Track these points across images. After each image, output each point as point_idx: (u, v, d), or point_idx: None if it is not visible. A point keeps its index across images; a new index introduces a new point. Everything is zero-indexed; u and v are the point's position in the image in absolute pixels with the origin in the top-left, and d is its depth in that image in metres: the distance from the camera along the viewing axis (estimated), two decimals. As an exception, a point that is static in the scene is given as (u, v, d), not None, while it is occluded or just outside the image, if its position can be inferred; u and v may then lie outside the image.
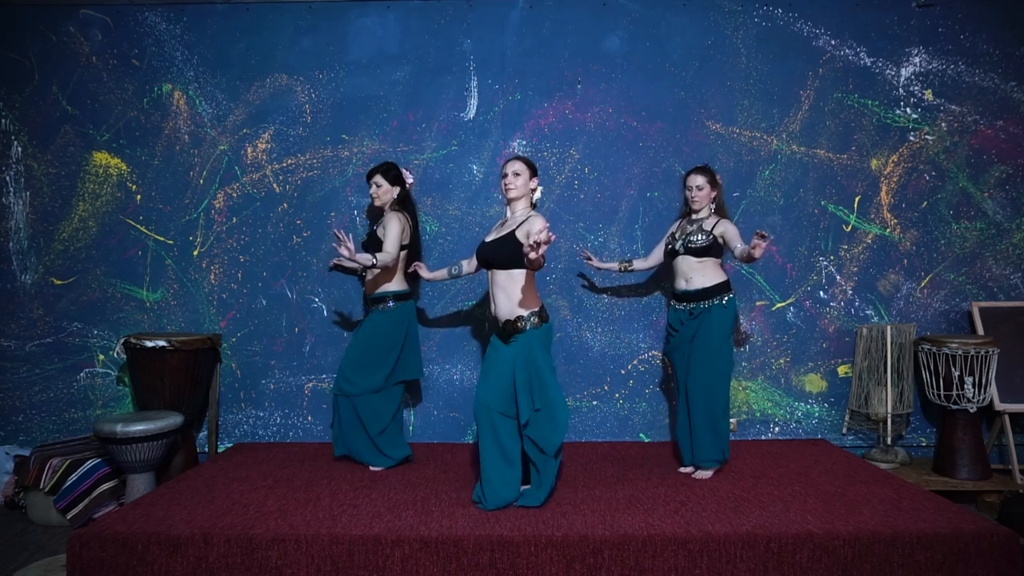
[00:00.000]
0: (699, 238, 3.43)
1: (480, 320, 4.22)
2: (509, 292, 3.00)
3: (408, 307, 3.68)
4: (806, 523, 2.73)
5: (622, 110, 4.22)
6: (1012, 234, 4.25)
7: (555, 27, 4.22)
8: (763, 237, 3.03)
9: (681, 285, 3.52)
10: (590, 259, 3.93)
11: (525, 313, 2.99)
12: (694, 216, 3.57)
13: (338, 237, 3.18)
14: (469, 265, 3.45)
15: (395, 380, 3.67)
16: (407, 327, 3.66)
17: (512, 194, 3.09)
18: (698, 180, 3.52)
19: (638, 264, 3.84)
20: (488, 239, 3.14)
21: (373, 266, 3.41)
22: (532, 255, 2.75)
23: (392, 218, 3.58)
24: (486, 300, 4.19)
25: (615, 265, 3.89)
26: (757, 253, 3.09)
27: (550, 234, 2.71)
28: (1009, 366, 3.97)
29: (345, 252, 3.18)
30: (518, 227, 3.00)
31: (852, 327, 4.24)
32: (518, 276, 3.00)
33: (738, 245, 3.33)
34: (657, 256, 3.76)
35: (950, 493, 3.71)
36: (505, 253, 2.98)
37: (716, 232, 3.43)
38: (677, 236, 3.56)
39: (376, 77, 4.22)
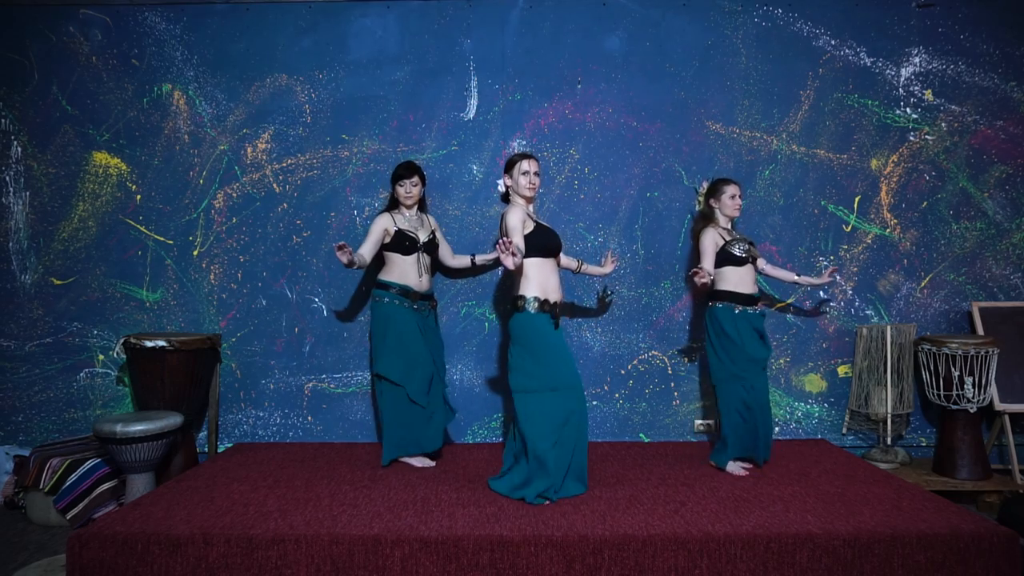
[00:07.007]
0: (753, 247, 3.62)
1: (480, 320, 4.22)
2: (559, 276, 3.31)
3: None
4: (806, 523, 2.73)
5: (622, 110, 4.22)
6: (1012, 234, 4.25)
7: (555, 27, 4.22)
8: (696, 274, 3.30)
9: (755, 290, 3.60)
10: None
11: None
12: (731, 227, 3.68)
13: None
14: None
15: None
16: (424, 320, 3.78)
17: (533, 192, 3.28)
18: (738, 190, 3.64)
19: (767, 268, 3.85)
20: (548, 226, 3.31)
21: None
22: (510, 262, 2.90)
23: (432, 219, 3.89)
24: (486, 299, 4.19)
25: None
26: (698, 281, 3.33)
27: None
28: (1009, 366, 3.97)
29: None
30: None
31: (852, 327, 4.23)
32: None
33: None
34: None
35: (950, 493, 3.71)
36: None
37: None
38: (739, 243, 3.57)
39: (376, 77, 4.22)
